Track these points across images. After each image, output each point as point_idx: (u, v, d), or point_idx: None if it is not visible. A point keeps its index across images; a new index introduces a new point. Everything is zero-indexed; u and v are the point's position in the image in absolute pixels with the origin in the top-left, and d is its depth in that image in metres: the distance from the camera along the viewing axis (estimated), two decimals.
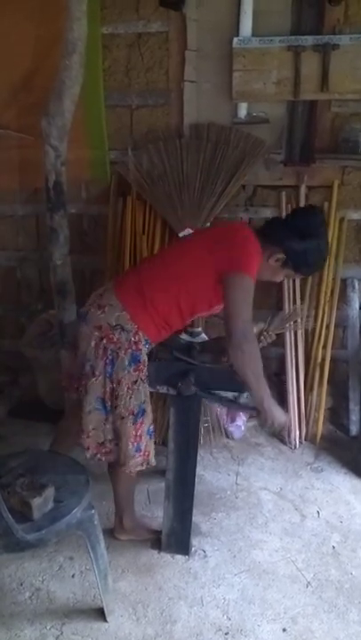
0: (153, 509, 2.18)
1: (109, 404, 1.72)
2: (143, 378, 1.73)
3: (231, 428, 2.64)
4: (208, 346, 1.99)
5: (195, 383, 1.74)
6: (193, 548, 1.98)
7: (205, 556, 1.96)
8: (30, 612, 1.73)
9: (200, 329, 2.03)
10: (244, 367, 1.61)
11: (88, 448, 1.76)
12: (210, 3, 2.45)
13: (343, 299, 2.70)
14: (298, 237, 1.68)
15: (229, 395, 1.79)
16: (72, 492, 1.55)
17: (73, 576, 1.86)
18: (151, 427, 1.79)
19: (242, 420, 2.68)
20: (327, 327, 2.63)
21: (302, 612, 1.74)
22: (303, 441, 2.64)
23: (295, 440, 2.60)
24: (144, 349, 1.73)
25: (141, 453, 1.77)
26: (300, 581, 1.86)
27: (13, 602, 1.76)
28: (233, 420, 2.66)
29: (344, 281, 2.68)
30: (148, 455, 1.79)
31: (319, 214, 1.79)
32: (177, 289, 1.70)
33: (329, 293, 2.62)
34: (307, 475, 2.42)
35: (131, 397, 1.71)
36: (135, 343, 1.70)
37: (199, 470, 2.35)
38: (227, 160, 2.52)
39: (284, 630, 1.68)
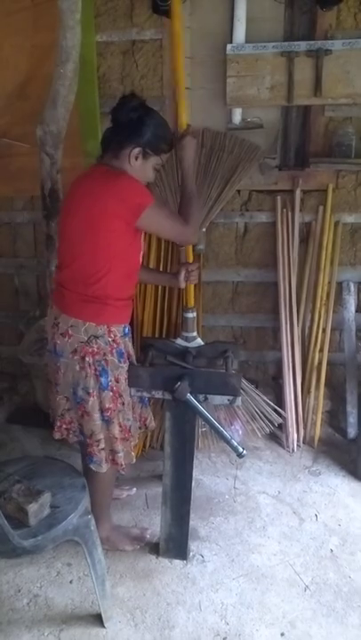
0: (151, 514, 2.18)
1: (108, 414, 1.74)
2: (131, 362, 1.81)
3: (229, 433, 2.64)
4: (204, 351, 2.00)
5: (190, 387, 1.75)
6: (191, 553, 1.98)
7: (203, 561, 1.96)
8: (28, 618, 1.72)
9: (195, 334, 2.03)
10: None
11: (108, 462, 1.81)
12: (203, 10, 2.48)
13: (339, 302, 2.71)
14: (130, 126, 1.66)
15: (225, 399, 1.79)
16: (69, 497, 1.56)
17: (71, 582, 1.86)
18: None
19: (240, 424, 2.68)
20: (323, 330, 2.64)
21: (301, 617, 1.74)
22: (301, 444, 2.64)
23: (293, 443, 2.60)
24: (122, 340, 1.76)
25: (138, 423, 1.92)
26: (299, 585, 1.86)
27: (11, 608, 1.76)
28: (231, 425, 2.66)
29: (340, 284, 2.69)
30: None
31: (129, 97, 1.73)
32: (102, 266, 1.65)
33: (325, 297, 2.63)
34: (305, 478, 2.42)
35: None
36: (114, 341, 1.71)
37: (197, 474, 2.35)
38: (222, 165, 2.53)
39: (282, 635, 1.68)
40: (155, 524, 2.05)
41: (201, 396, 1.79)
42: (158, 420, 2.47)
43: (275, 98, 2.46)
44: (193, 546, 2.00)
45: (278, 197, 2.61)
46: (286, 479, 2.41)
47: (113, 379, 1.72)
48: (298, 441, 2.63)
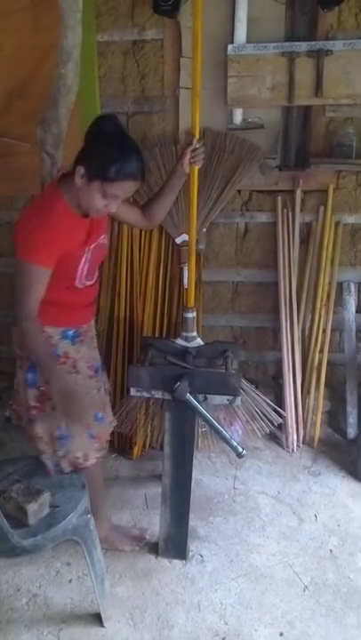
0: (150, 514, 2.18)
1: (32, 412, 1.71)
2: (72, 369, 1.74)
3: (229, 433, 2.64)
4: (203, 350, 2.00)
5: (189, 387, 1.75)
6: (190, 553, 1.98)
7: (203, 561, 1.96)
8: (27, 617, 1.73)
9: (195, 333, 2.03)
10: (28, 345, 1.64)
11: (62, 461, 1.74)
12: (205, 10, 2.47)
13: (339, 302, 2.71)
14: (85, 144, 1.63)
15: (224, 399, 1.79)
16: (68, 497, 1.56)
17: (70, 581, 1.87)
18: (100, 413, 1.80)
19: (240, 424, 2.68)
20: (324, 331, 2.64)
21: (299, 617, 1.74)
22: (301, 444, 2.64)
23: (293, 444, 2.60)
24: (61, 343, 1.73)
25: (95, 440, 1.77)
26: (298, 585, 1.86)
27: (10, 608, 1.76)
28: (231, 425, 2.66)
29: (340, 284, 2.69)
30: (103, 440, 1.82)
31: (102, 119, 1.66)
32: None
33: (325, 297, 2.63)
34: (304, 478, 2.42)
35: None
36: (46, 340, 1.69)
37: (197, 474, 2.35)
38: (222, 165, 2.53)
39: (281, 635, 1.68)
40: (154, 524, 2.05)
41: (200, 396, 1.79)
42: (158, 419, 2.47)
43: (275, 98, 2.46)
44: (192, 546, 2.01)
45: (279, 198, 2.61)
46: (286, 479, 2.41)
47: (43, 379, 1.66)
48: (298, 441, 2.63)
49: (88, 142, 1.63)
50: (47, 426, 1.71)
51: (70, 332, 1.75)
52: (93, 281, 1.80)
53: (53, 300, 1.66)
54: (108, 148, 1.57)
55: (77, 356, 1.77)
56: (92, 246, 1.73)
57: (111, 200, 1.62)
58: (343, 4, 2.35)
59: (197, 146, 1.81)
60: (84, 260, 1.69)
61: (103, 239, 1.80)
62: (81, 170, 1.58)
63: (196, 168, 1.85)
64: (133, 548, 2.00)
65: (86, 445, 1.75)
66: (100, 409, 1.83)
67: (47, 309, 1.65)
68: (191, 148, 1.80)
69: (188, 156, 1.80)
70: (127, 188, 1.61)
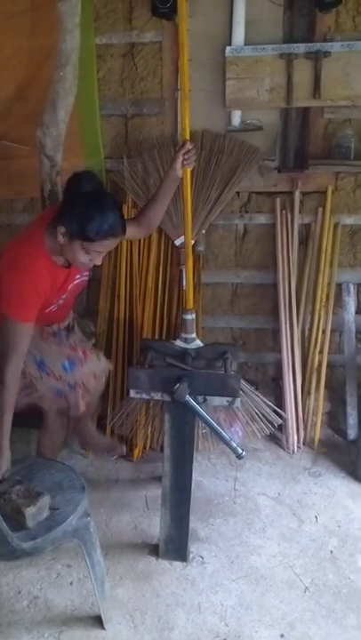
0: (151, 516, 2.18)
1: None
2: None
3: (229, 434, 2.64)
4: (203, 352, 2.00)
5: (189, 389, 1.75)
6: (191, 555, 1.98)
7: (203, 563, 1.96)
8: (28, 620, 1.73)
9: (194, 335, 2.03)
10: None
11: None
12: (202, 12, 2.48)
13: (339, 303, 2.71)
14: (62, 204, 1.67)
15: (224, 401, 1.79)
16: (68, 499, 1.56)
17: (71, 584, 1.87)
18: (66, 362, 1.86)
19: (240, 425, 2.68)
20: (323, 332, 2.64)
21: (300, 618, 1.74)
22: (301, 446, 2.64)
23: (293, 445, 2.60)
24: None
25: (77, 387, 1.90)
26: (298, 587, 1.86)
27: (11, 610, 1.76)
28: (231, 426, 2.66)
29: (339, 285, 2.69)
30: (87, 384, 1.93)
31: (79, 176, 1.67)
32: None
33: (325, 298, 2.63)
34: (305, 479, 2.42)
35: None
36: None
37: (197, 476, 2.35)
38: (221, 167, 2.54)
39: (281, 636, 1.68)
40: (155, 526, 2.05)
41: (200, 398, 1.79)
42: (158, 421, 2.47)
43: (274, 100, 2.46)
44: (193, 547, 2.01)
45: (278, 199, 2.61)
46: (286, 481, 2.41)
47: None
48: (298, 442, 2.63)
49: (67, 201, 1.66)
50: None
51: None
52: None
53: None
54: (87, 208, 1.59)
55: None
56: (70, 287, 1.79)
57: (95, 255, 1.66)
58: (341, 6, 2.35)
59: (190, 147, 1.82)
60: (56, 303, 1.78)
61: (85, 275, 1.84)
62: (62, 229, 1.61)
63: (189, 170, 1.86)
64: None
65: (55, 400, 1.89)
66: (65, 358, 1.85)
67: None
68: (184, 150, 1.81)
69: (180, 159, 1.82)
70: (109, 244, 1.66)
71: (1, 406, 1.65)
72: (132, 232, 1.87)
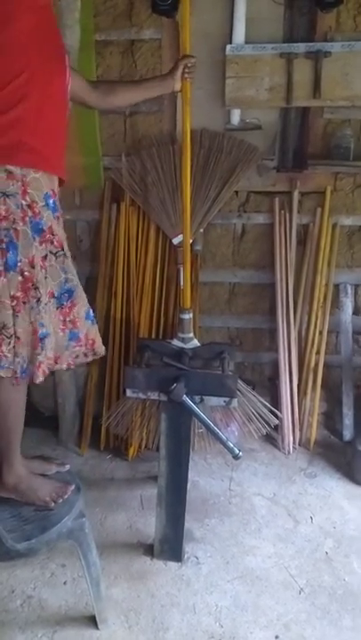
0: (146, 515, 2.17)
1: (14, 304, 1.39)
2: (57, 250, 1.44)
3: (225, 434, 2.63)
4: (200, 352, 2.00)
5: (186, 389, 1.74)
6: (186, 555, 1.97)
7: (198, 563, 1.95)
8: (22, 619, 1.72)
9: (191, 335, 2.03)
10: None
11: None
12: (203, 10, 2.47)
13: (336, 304, 2.71)
14: None
15: (221, 401, 1.79)
16: (63, 500, 1.55)
17: (65, 583, 1.86)
18: (90, 311, 1.56)
19: (236, 425, 2.67)
20: (320, 332, 2.64)
21: (295, 619, 1.74)
22: (297, 446, 2.64)
23: (289, 445, 2.60)
24: (46, 212, 1.41)
25: (81, 342, 1.52)
26: (293, 588, 1.86)
27: (4, 610, 1.75)
28: (227, 426, 2.65)
29: (337, 286, 2.69)
30: (93, 344, 1.56)
31: None
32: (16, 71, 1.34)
33: (322, 299, 2.63)
34: (300, 480, 2.42)
35: (46, 277, 1.43)
36: (29, 207, 1.37)
37: (193, 476, 2.35)
38: (220, 166, 2.52)
39: (276, 637, 1.68)
40: (150, 526, 2.04)
41: (197, 398, 1.79)
42: (154, 421, 2.46)
43: (273, 99, 2.45)
44: (188, 547, 2.00)
45: (276, 199, 2.61)
46: (282, 481, 2.41)
47: (25, 260, 1.38)
48: (294, 443, 2.62)
49: None
50: (33, 320, 1.41)
51: (51, 202, 1.44)
52: None
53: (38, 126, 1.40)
54: None
55: (61, 233, 1.49)
56: None
57: None
58: (342, 6, 2.34)
59: (194, 62, 1.81)
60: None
61: None
62: None
63: (188, 167, 1.82)
64: (52, 500, 1.54)
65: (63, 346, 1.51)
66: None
67: (38, 148, 1.39)
68: (186, 61, 1.79)
69: (181, 68, 1.76)
70: None
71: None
72: (78, 86, 1.64)
